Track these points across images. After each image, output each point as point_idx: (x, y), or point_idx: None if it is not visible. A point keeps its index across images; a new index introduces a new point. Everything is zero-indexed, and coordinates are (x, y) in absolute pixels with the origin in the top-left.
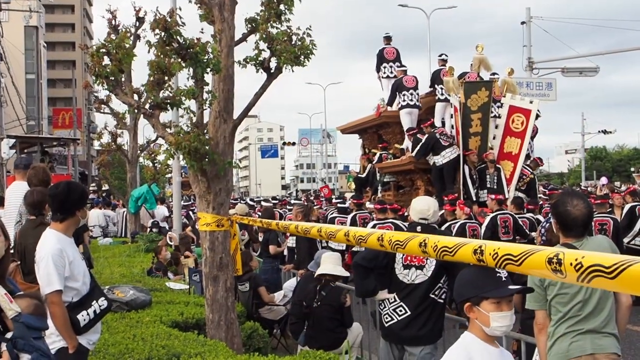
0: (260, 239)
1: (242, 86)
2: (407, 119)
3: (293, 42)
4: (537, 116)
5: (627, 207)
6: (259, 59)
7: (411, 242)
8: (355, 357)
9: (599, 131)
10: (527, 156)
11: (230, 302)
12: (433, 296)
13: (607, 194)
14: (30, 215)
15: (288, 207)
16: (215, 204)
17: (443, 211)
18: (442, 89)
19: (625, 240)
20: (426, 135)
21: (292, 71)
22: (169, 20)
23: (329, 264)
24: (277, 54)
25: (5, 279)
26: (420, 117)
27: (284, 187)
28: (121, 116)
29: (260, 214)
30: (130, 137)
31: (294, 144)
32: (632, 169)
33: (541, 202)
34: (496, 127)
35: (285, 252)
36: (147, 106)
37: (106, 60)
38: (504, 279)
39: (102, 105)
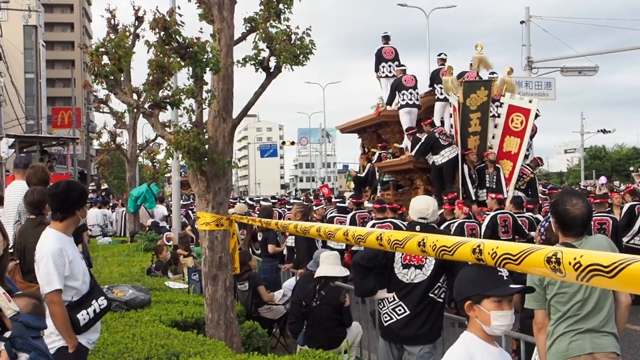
0: (260, 238)
1: (242, 85)
2: (407, 118)
3: (292, 42)
4: (537, 115)
5: (626, 206)
6: (258, 58)
7: (410, 241)
8: (354, 356)
9: (598, 130)
10: (526, 156)
11: (230, 302)
12: (432, 295)
13: (606, 193)
14: (30, 215)
15: (287, 206)
16: (214, 203)
17: (442, 210)
18: (441, 88)
19: (625, 239)
20: (425, 135)
21: (292, 70)
22: (168, 19)
23: (327, 265)
24: (277, 54)
25: (4, 278)
26: (419, 117)
27: (283, 187)
28: (120, 115)
29: (259, 213)
30: (129, 137)
31: (293, 143)
32: (631, 169)
33: (540, 202)
34: (495, 126)
35: (285, 252)
36: (146, 105)
37: (105, 60)
38: (505, 277)
39: (102, 105)
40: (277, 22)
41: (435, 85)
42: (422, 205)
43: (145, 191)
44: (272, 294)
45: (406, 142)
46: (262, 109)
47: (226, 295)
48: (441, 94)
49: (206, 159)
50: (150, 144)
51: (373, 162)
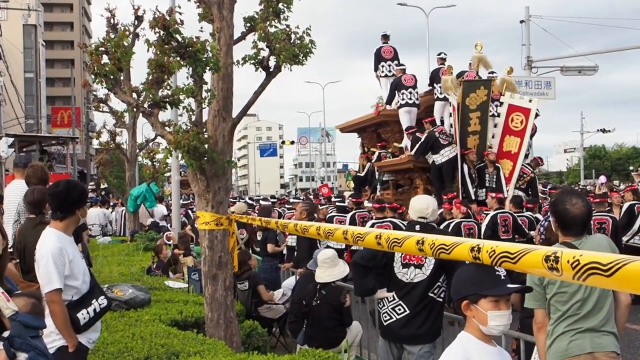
0: (259, 238)
1: (241, 85)
2: (406, 118)
3: (292, 41)
4: (537, 115)
5: (625, 205)
6: (258, 57)
7: (408, 240)
8: (354, 355)
9: (598, 130)
10: (526, 155)
11: (230, 301)
12: (432, 295)
13: (605, 192)
14: (29, 214)
15: (287, 205)
16: (214, 203)
17: (442, 210)
18: (440, 87)
19: (624, 238)
20: (425, 134)
21: (291, 70)
22: (168, 18)
23: (325, 269)
24: (276, 53)
25: (3, 278)
26: (419, 116)
27: (283, 186)
28: (120, 115)
29: (258, 212)
30: (129, 136)
31: (292, 142)
32: (631, 168)
33: (540, 201)
34: (495, 125)
35: (285, 251)
36: (146, 105)
37: (105, 59)
38: (502, 277)
39: (101, 104)
40: (276, 21)
41: (434, 85)
42: (422, 204)
43: (145, 190)
44: (271, 293)
45: (406, 142)
46: (262, 108)
47: (226, 294)
48: (441, 93)
49: (206, 158)
50: (150, 144)
51: (373, 161)
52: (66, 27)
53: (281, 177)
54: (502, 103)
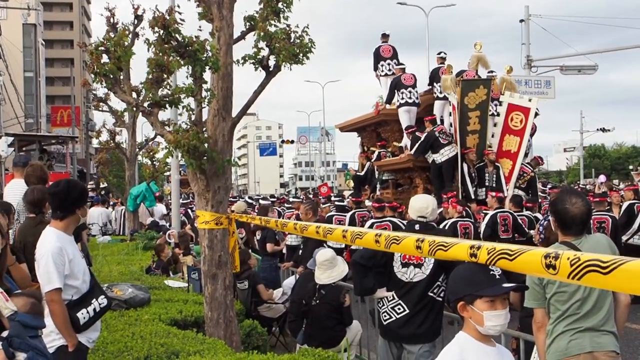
0: (258, 237)
1: (241, 84)
2: (406, 117)
3: (292, 40)
4: (536, 114)
5: (625, 204)
6: (258, 57)
7: (406, 239)
8: (354, 355)
9: (598, 129)
10: (526, 154)
11: (229, 300)
12: (432, 294)
13: (605, 192)
14: (29, 213)
15: (286, 205)
16: (214, 202)
17: (442, 209)
18: (440, 86)
19: (624, 237)
20: (425, 133)
21: (291, 69)
22: (168, 18)
23: (324, 270)
24: (276, 52)
25: (3, 277)
26: (419, 115)
27: (283, 185)
28: (120, 114)
29: (258, 212)
30: (128, 135)
31: (292, 142)
32: (631, 167)
33: (540, 200)
34: (495, 125)
35: (285, 251)
36: (145, 104)
37: (105, 58)
38: (497, 276)
39: (101, 103)
40: (276, 20)
41: (434, 84)
42: (422, 204)
43: (145, 190)
44: (271, 291)
45: (405, 141)
46: (262, 107)
47: (226, 294)
48: (440, 92)
49: (205, 157)
50: (150, 143)
51: (372, 160)
52: (66, 27)
53: (281, 176)
54: (501, 102)
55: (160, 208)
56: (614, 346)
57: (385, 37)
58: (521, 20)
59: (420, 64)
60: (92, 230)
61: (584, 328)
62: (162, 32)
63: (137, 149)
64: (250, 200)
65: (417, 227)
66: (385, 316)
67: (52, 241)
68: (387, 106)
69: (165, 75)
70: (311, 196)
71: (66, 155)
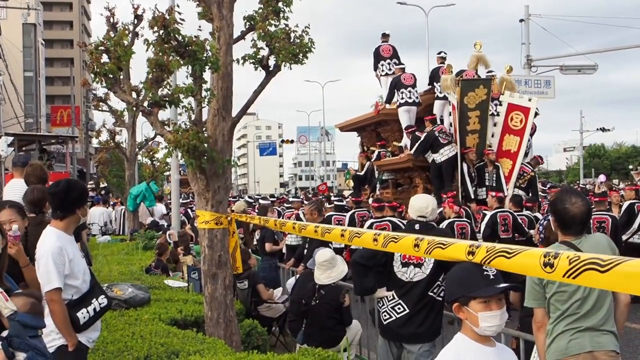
0: (257, 236)
1: (241, 84)
2: (406, 117)
3: (292, 40)
4: (536, 114)
5: (625, 204)
6: (258, 56)
7: (404, 239)
8: (354, 354)
9: (598, 129)
10: (526, 154)
11: (229, 300)
12: (431, 294)
13: (605, 191)
14: (29, 213)
15: (286, 205)
16: (213, 202)
17: (442, 209)
18: (440, 86)
19: (624, 237)
20: (425, 133)
21: (291, 69)
22: (168, 18)
23: (324, 271)
24: (276, 52)
25: (3, 277)
26: (418, 115)
27: (283, 185)
28: (120, 114)
29: (257, 211)
30: (128, 135)
31: (292, 141)
32: (630, 167)
33: (540, 200)
34: (495, 124)
35: (284, 250)
36: (145, 104)
37: (105, 58)
38: (491, 277)
39: (101, 103)
40: (276, 20)
41: (434, 84)
42: (422, 203)
43: (145, 189)
44: (271, 291)
45: (405, 141)
46: (262, 107)
47: (225, 293)
48: (440, 92)
49: (205, 157)
50: (150, 143)
51: (372, 160)
52: (66, 26)
53: (281, 175)
54: (501, 102)
55: (160, 208)
56: (614, 346)
57: (385, 36)
58: (521, 20)
59: (420, 63)
60: (92, 230)
61: (583, 328)
62: (162, 31)
63: (137, 149)
64: (250, 200)
65: (417, 227)
66: (385, 316)
67: (52, 241)
68: (387, 106)
69: (165, 75)
70: (310, 196)
71: (66, 155)
